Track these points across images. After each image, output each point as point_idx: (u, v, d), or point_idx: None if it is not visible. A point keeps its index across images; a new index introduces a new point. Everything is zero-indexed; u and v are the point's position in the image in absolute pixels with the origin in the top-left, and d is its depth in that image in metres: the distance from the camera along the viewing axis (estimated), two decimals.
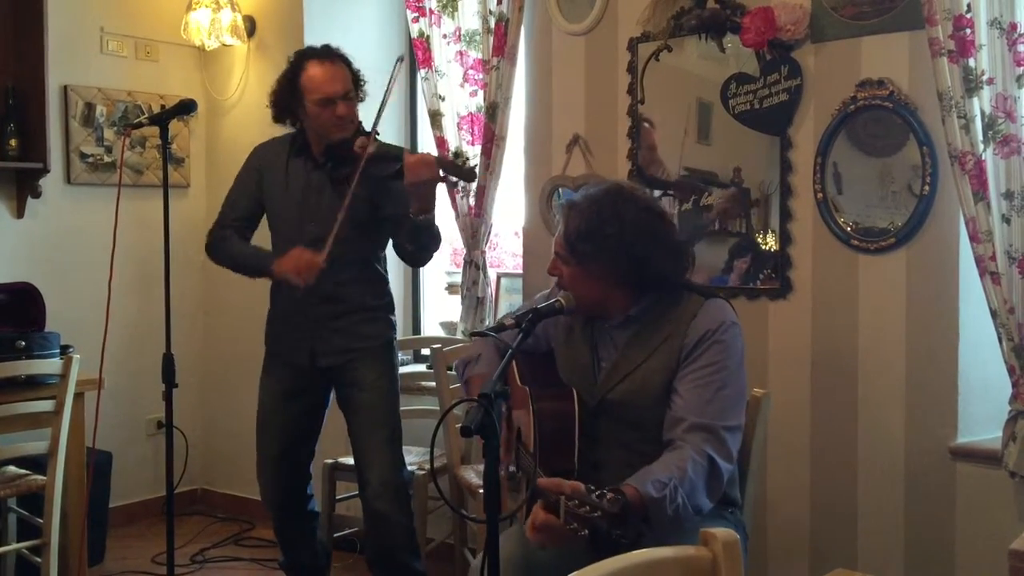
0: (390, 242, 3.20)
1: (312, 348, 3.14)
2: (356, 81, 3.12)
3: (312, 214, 3.08)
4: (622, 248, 2.10)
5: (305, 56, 3.09)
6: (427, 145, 4.31)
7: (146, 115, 4.38)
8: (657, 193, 3.32)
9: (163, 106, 4.38)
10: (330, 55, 3.08)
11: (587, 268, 2.15)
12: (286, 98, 3.09)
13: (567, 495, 1.76)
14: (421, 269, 4.48)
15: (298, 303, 3.10)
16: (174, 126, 4.25)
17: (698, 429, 2.02)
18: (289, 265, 2.99)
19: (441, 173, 2.89)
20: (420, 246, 3.06)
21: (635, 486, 1.88)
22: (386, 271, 3.27)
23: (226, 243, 3.19)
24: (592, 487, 1.78)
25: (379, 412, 3.15)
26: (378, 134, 3.01)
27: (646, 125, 3.39)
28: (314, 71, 3.04)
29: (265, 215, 3.23)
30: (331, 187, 3.07)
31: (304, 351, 3.15)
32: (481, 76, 3.87)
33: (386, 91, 2.95)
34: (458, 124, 3.93)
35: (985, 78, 2.64)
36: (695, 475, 1.96)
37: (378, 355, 3.17)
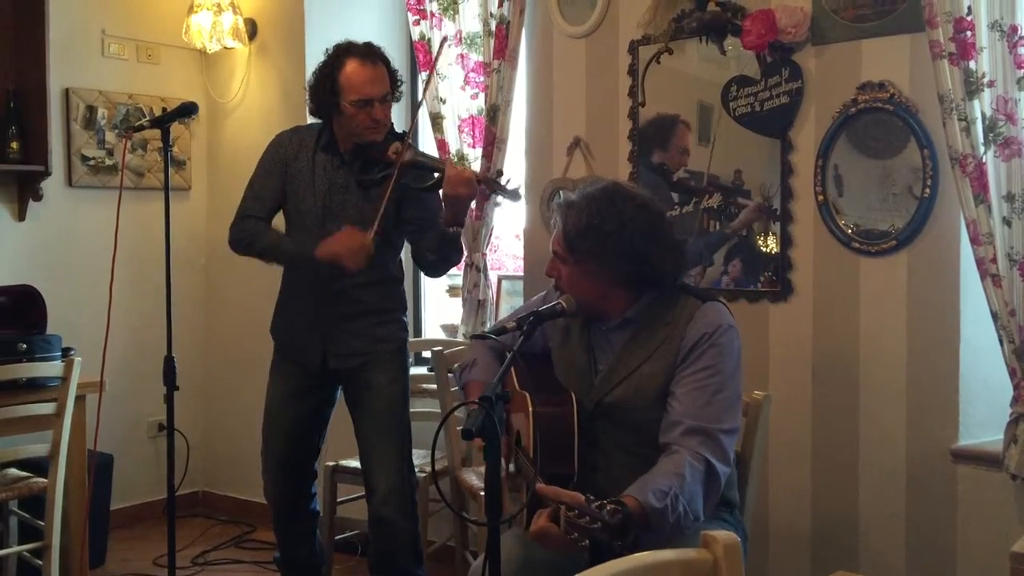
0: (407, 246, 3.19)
1: (324, 349, 3.12)
2: (393, 83, 3.06)
3: (335, 213, 3.06)
4: (621, 245, 2.10)
5: (346, 52, 3.00)
6: (429, 147, 4.30)
7: (147, 118, 4.38)
8: (676, 197, 3.32)
9: (164, 109, 4.38)
10: (372, 55, 3.00)
11: (586, 267, 2.15)
12: (322, 93, 3.02)
13: (567, 504, 1.76)
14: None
15: (312, 302, 3.09)
16: (175, 129, 4.24)
17: (695, 433, 2.02)
18: (338, 247, 2.90)
19: (484, 189, 2.87)
20: (443, 257, 3.05)
21: (636, 497, 1.88)
22: (402, 272, 3.26)
23: (257, 235, 3.10)
24: (592, 497, 1.78)
25: (390, 417, 3.14)
26: (410, 139, 3.00)
27: (682, 126, 3.34)
28: (353, 69, 2.96)
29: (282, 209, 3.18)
30: (357, 188, 3.04)
31: (316, 352, 3.13)
32: (482, 79, 3.87)
33: (430, 71, 2.90)
34: (459, 127, 3.93)
35: (986, 80, 2.64)
36: (694, 481, 1.96)
37: (391, 359, 3.15)
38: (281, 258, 3.13)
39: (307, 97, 3.09)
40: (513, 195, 2.93)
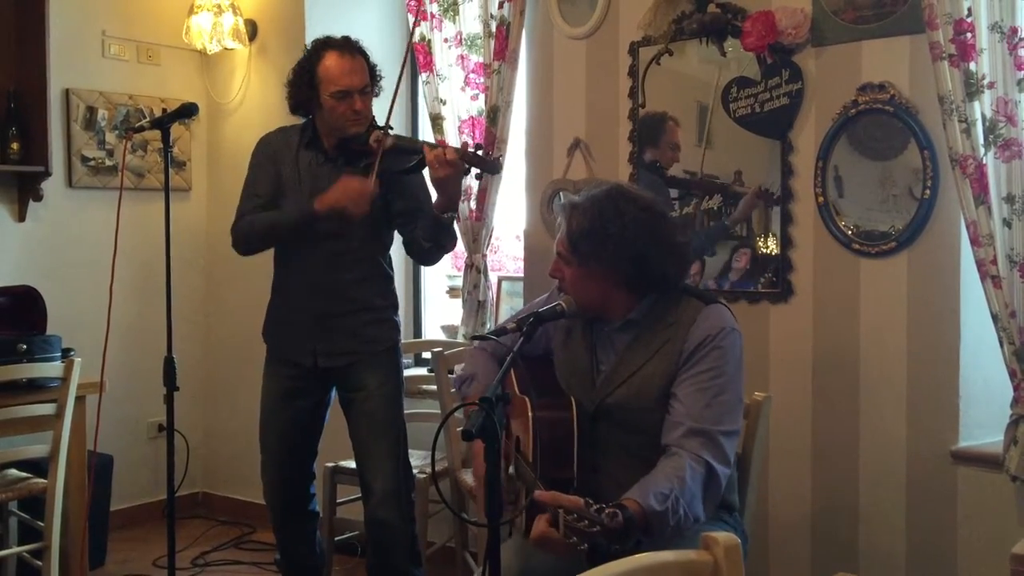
0: (397, 241, 3.18)
1: (315, 348, 3.12)
2: (373, 75, 3.07)
3: None
4: (624, 247, 2.11)
5: (324, 46, 3.02)
6: None
7: (148, 119, 4.37)
8: (674, 194, 3.32)
9: (164, 110, 4.36)
10: (350, 47, 3.02)
11: (589, 268, 2.15)
12: (302, 88, 3.03)
13: (566, 508, 1.76)
14: (422, 272, 4.48)
15: (302, 301, 3.09)
16: (175, 130, 4.26)
17: (696, 434, 2.02)
18: (339, 193, 2.89)
19: (465, 166, 2.86)
20: (437, 244, 3.04)
21: (637, 500, 1.88)
22: (393, 270, 3.26)
23: (254, 221, 3.08)
24: (591, 501, 1.78)
25: (383, 419, 3.13)
26: (391, 128, 3.00)
27: (671, 123, 3.35)
28: (332, 62, 2.98)
29: None
30: None
31: (306, 350, 3.13)
32: (482, 80, 3.87)
33: (398, 80, 2.95)
34: (459, 128, 3.93)
35: (986, 82, 2.64)
36: (694, 483, 1.96)
37: (383, 359, 3.15)
38: (283, 229, 3.06)
39: (286, 94, 3.10)
40: (493, 166, 2.94)
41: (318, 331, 3.10)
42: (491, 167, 2.96)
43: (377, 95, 3.13)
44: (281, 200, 3.13)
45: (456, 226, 3.87)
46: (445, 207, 2.91)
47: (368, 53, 3.08)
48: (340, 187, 2.91)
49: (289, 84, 3.09)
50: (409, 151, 2.96)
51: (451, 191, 2.89)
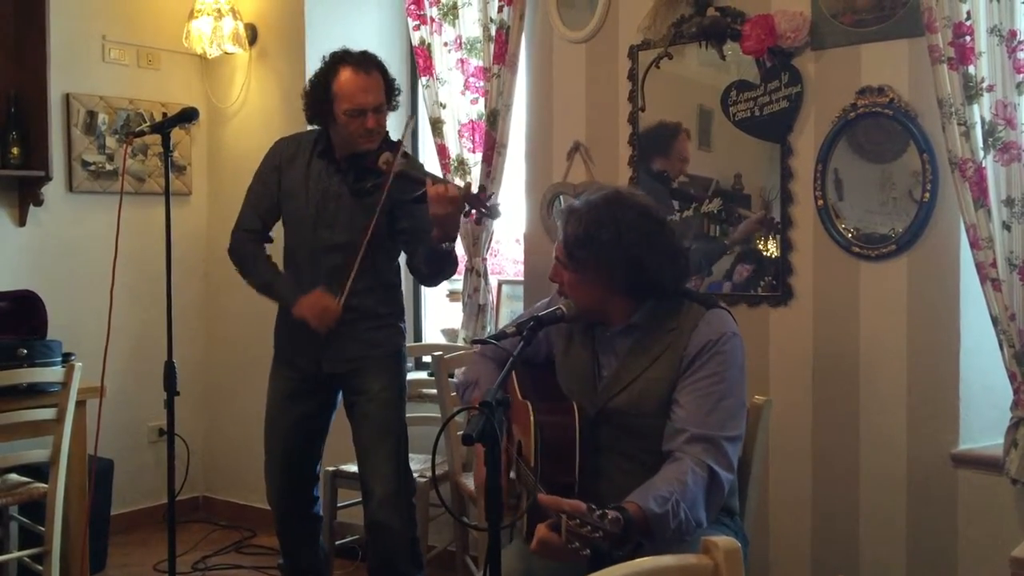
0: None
1: (319, 353, 3.13)
2: (389, 91, 3.06)
3: (327, 220, 3.07)
4: (618, 254, 2.11)
5: (340, 60, 3.01)
6: (429, 152, 4.31)
7: (148, 123, 4.36)
8: (676, 203, 3.32)
9: (165, 114, 4.36)
10: (366, 63, 3.00)
11: (585, 274, 2.15)
12: (316, 101, 3.04)
13: (567, 514, 1.76)
14: None
15: None
16: (176, 134, 4.26)
17: (698, 440, 2.02)
18: (308, 310, 3.00)
19: (466, 207, 2.86)
20: (436, 271, 3.05)
21: (637, 502, 1.88)
22: (399, 278, 3.26)
23: (250, 263, 3.17)
24: (593, 506, 1.78)
25: (385, 422, 3.14)
26: (404, 147, 3.00)
27: (684, 135, 3.33)
28: (347, 78, 2.97)
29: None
30: (350, 196, 3.06)
31: (311, 356, 3.14)
32: (482, 84, 3.87)
33: (404, 129, 3.00)
34: (459, 132, 3.94)
35: (985, 85, 2.64)
36: (696, 487, 1.96)
37: (386, 364, 3.16)
38: (267, 293, 3.20)
39: (303, 105, 3.11)
40: (492, 211, 2.94)
41: (322, 338, 3.10)
42: (491, 211, 2.95)
43: (395, 109, 3.12)
44: (284, 205, 3.15)
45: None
46: (442, 240, 2.91)
47: (386, 68, 3.07)
48: (313, 302, 3.00)
49: (305, 95, 3.10)
50: (415, 181, 2.95)
51: (448, 226, 2.88)
